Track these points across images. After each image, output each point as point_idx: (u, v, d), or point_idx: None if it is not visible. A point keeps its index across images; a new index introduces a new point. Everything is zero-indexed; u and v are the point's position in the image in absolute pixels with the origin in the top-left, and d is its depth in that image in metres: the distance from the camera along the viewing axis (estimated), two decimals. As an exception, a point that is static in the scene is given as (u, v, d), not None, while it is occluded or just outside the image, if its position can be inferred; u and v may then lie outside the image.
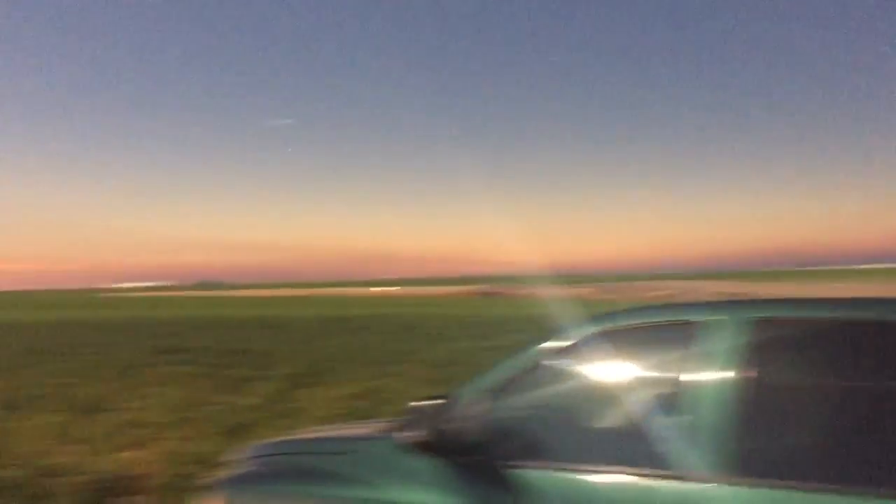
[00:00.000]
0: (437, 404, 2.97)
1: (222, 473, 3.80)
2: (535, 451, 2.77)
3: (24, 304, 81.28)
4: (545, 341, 2.96)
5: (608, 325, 2.87)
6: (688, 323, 2.69)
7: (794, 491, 2.25)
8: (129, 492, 6.90)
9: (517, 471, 2.73)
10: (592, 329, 2.89)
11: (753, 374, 2.48)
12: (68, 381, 12.69)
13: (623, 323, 2.86)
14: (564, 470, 2.66)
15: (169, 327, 31.58)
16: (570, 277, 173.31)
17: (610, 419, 2.79)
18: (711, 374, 2.53)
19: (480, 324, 30.64)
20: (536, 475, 2.69)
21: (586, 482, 2.60)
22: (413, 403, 3.00)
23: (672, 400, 2.57)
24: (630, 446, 2.59)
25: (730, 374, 2.50)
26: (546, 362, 2.91)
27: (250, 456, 3.75)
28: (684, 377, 2.58)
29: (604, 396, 2.84)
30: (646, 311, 2.89)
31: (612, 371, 2.84)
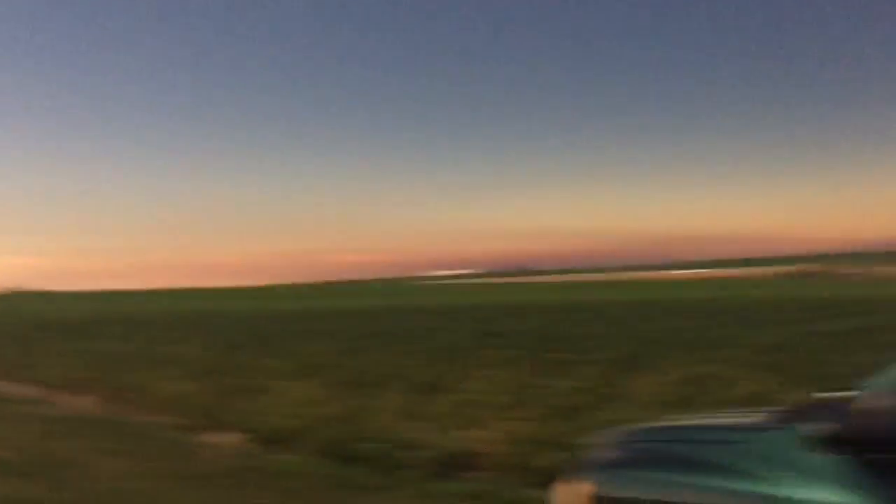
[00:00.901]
0: (847, 396, 2.68)
1: (586, 457, 3.75)
2: None
3: (357, 293, 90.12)
4: None
5: None
6: None
7: None
8: (474, 468, 7.28)
9: None
10: None
11: None
12: (405, 363, 13.74)
13: None
14: None
15: (485, 312, 33.07)
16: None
17: None
18: None
19: (803, 307, 28.39)
20: None
21: None
22: (818, 394, 2.75)
23: None
24: None
25: None
26: None
27: (617, 441, 3.66)
28: None
29: None
30: None
31: None
